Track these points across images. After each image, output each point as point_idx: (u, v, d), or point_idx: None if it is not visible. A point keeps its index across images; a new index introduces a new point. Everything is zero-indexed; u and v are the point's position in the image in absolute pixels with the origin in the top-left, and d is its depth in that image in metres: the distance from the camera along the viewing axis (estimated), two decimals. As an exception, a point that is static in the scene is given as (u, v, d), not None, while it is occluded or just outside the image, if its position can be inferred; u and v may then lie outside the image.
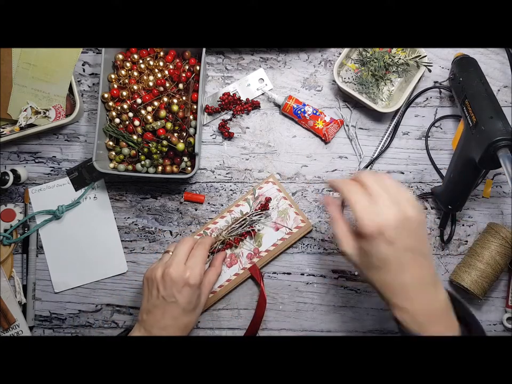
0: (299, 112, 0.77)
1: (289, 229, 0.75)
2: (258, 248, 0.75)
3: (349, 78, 0.79)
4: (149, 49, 0.76)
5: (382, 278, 0.53)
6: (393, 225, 0.51)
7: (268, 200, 0.75)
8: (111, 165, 0.74)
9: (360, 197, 0.53)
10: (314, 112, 0.77)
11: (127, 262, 0.77)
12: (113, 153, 0.75)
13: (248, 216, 0.74)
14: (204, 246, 0.68)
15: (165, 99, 0.75)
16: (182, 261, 0.64)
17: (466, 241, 0.78)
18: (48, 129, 0.77)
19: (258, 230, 0.75)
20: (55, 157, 0.79)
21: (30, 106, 0.75)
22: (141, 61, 0.76)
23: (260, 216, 0.75)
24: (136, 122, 0.74)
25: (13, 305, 0.75)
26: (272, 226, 0.76)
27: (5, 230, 0.76)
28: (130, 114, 0.75)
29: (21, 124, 0.75)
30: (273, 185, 0.76)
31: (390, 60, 0.75)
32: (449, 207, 0.73)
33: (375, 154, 0.78)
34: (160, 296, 0.63)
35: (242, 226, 0.74)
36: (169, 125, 0.73)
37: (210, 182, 0.79)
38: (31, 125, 0.75)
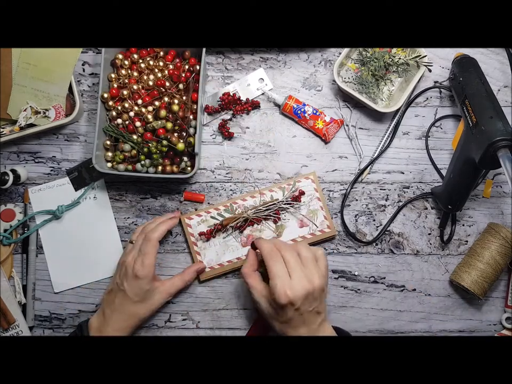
0: (299, 112, 0.77)
1: (316, 225, 0.75)
2: (277, 237, 0.75)
3: (349, 78, 0.79)
4: (149, 49, 0.76)
5: (283, 329, 0.63)
6: (301, 297, 0.61)
7: (302, 193, 0.75)
8: (109, 165, 0.74)
9: (279, 271, 0.63)
10: (314, 112, 0.77)
11: (127, 262, 0.77)
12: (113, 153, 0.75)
13: (278, 202, 0.74)
14: (150, 241, 0.70)
15: (165, 99, 0.74)
16: (136, 253, 0.70)
17: (467, 241, 0.78)
18: (48, 129, 0.77)
19: (283, 219, 0.75)
20: (55, 157, 0.79)
21: (30, 106, 0.75)
22: (141, 61, 0.76)
23: (290, 205, 0.75)
24: (137, 123, 0.74)
25: (13, 305, 0.75)
26: (298, 222, 0.75)
27: (5, 230, 0.76)
28: (131, 114, 0.75)
29: (20, 124, 0.75)
30: (312, 183, 0.76)
31: (390, 59, 0.75)
32: (449, 207, 0.73)
33: (375, 154, 0.78)
34: (115, 282, 0.70)
35: (269, 211, 0.74)
36: (169, 125, 0.73)
37: (210, 182, 0.79)
38: (31, 125, 0.75)
